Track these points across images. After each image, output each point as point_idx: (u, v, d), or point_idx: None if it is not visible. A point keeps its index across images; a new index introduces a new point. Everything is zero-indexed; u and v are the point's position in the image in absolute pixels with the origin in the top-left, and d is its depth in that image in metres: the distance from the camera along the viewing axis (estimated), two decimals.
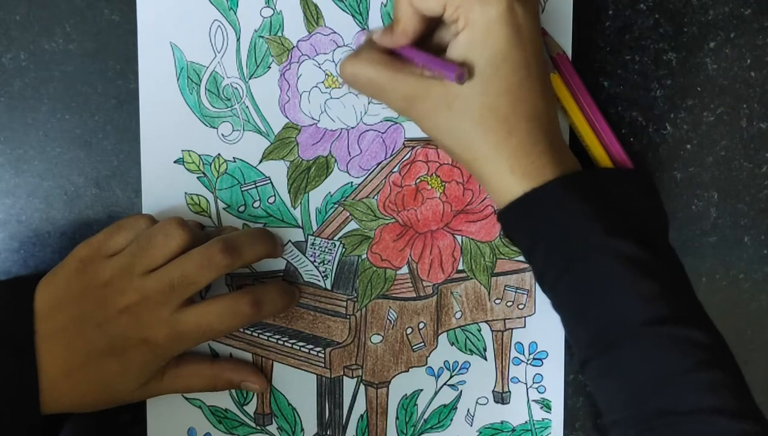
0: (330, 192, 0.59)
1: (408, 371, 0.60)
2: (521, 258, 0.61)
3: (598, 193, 0.51)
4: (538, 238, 0.52)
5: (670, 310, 0.49)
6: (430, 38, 0.54)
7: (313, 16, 0.58)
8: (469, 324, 0.61)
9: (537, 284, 0.54)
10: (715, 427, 0.47)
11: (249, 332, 0.59)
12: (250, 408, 0.59)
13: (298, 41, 0.58)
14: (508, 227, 0.53)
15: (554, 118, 0.53)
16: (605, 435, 0.62)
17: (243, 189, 0.58)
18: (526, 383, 0.61)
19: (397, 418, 0.61)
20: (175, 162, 0.58)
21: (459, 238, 0.60)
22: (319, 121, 0.59)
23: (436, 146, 0.59)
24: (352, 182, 0.59)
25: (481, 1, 0.49)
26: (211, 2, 0.57)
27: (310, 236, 0.59)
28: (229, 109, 0.58)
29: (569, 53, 0.59)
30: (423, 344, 0.60)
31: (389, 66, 0.52)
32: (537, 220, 0.51)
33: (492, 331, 0.61)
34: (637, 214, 0.52)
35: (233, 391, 0.59)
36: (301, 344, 0.59)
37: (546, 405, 0.61)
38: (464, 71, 0.49)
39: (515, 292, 0.61)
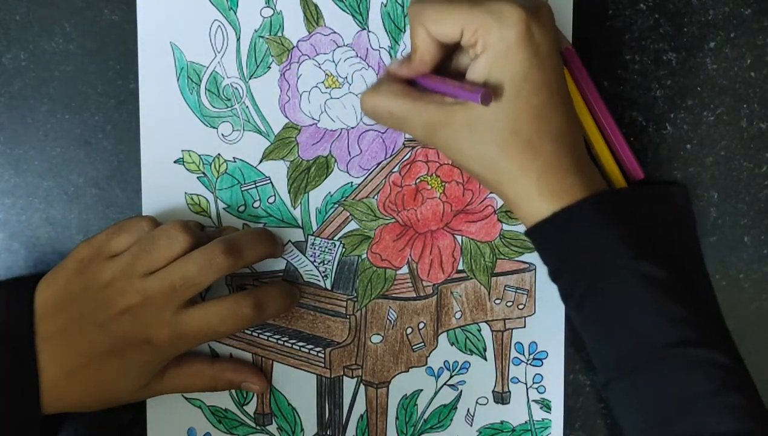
0: (330, 192, 0.59)
1: (408, 371, 0.60)
2: (521, 258, 0.61)
3: (626, 213, 0.51)
4: (565, 258, 0.52)
5: (695, 332, 0.50)
6: (447, 64, 0.54)
7: (313, 16, 0.58)
8: (469, 324, 0.61)
9: (563, 302, 0.54)
10: None
11: (249, 332, 0.59)
12: (250, 408, 0.59)
13: (298, 41, 0.58)
14: (535, 246, 0.54)
15: (578, 137, 0.53)
16: None
17: (243, 189, 0.58)
18: (526, 383, 0.61)
19: (397, 418, 0.61)
20: (175, 162, 0.58)
21: (459, 238, 0.60)
22: (319, 121, 0.59)
23: None
24: (352, 182, 0.59)
25: (499, 23, 0.49)
26: (211, 2, 0.57)
27: (310, 236, 0.59)
28: (229, 109, 0.58)
29: None
30: (423, 344, 0.60)
31: (408, 96, 0.52)
32: (564, 240, 0.51)
33: (492, 331, 0.61)
34: (665, 233, 0.52)
35: (233, 391, 0.59)
36: (301, 344, 0.59)
37: (546, 405, 0.61)
38: (490, 92, 0.49)
39: (515, 292, 0.61)
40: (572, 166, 0.51)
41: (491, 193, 0.60)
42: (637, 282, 0.50)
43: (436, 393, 0.61)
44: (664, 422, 0.50)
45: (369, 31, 0.58)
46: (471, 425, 0.61)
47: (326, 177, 0.59)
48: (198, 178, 0.58)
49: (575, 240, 0.51)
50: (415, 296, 0.60)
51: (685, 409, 0.49)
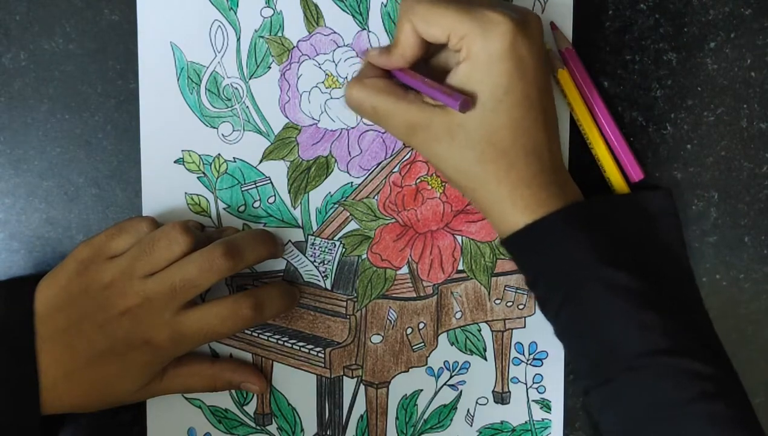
0: (330, 192, 0.59)
1: (408, 371, 0.60)
2: None
3: (597, 224, 0.52)
4: (539, 269, 0.52)
5: (668, 341, 0.49)
6: (428, 60, 0.54)
7: (313, 16, 0.58)
8: (469, 324, 0.61)
9: (541, 311, 0.55)
10: None
11: (249, 332, 0.59)
12: (250, 408, 0.59)
13: (299, 41, 0.58)
14: (510, 256, 0.54)
15: (556, 149, 0.53)
16: None
17: (243, 189, 0.58)
18: (526, 383, 0.61)
19: (397, 418, 0.61)
20: (175, 162, 0.58)
21: (459, 238, 0.60)
22: (319, 121, 0.58)
23: None
24: (352, 182, 0.59)
25: (484, 34, 0.49)
26: (211, 2, 0.57)
27: (310, 236, 0.59)
28: (229, 109, 0.58)
29: None
30: (423, 344, 0.60)
31: (393, 94, 0.52)
32: (537, 252, 0.52)
33: (492, 331, 0.61)
34: (640, 241, 0.52)
35: (233, 391, 0.59)
36: (301, 344, 0.59)
37: (546, 405, 0.61)
38: (468, 100, 0.49)
39: (515, 292, 0.61)
40: (548, 180, 0.51)
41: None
42: (608, 291, 0.50)
43: (436, 393, 0.61)
44: (641, 430, 0.49)
45: (369, 31, 0.58)
46: (471, 425, 0.61)
47: (326, 177, 0.59)
48: (198, 178, 0.58)
49: (547, 252, 0.51)
50: (415, 296, 0.60)
51: (659, 418, 0.49)
